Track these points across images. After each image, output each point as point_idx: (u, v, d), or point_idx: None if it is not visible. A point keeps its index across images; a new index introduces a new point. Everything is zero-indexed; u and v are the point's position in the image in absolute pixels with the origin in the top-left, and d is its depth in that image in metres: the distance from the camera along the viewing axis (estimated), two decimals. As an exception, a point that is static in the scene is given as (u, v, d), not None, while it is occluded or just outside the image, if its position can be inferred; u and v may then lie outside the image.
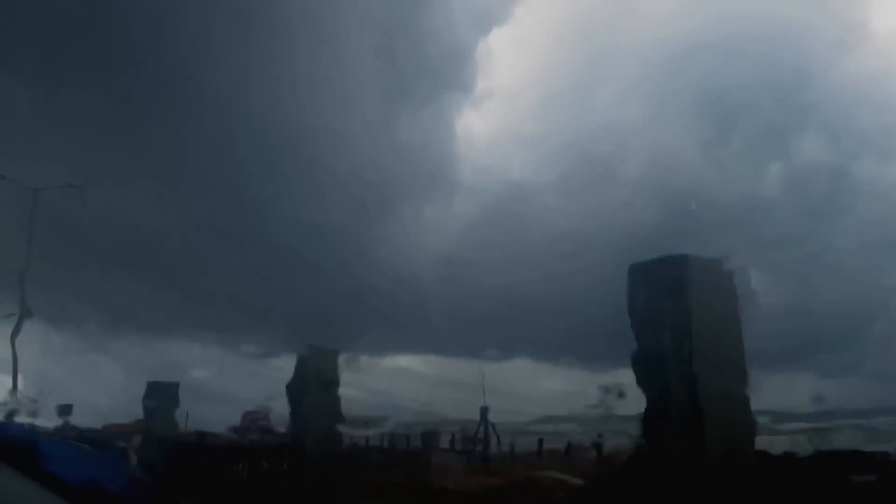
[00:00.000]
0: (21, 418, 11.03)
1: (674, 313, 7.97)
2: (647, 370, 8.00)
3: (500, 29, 40.65)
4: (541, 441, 14.36)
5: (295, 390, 12.10)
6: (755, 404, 7.70)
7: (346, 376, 12.27)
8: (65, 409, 12.72)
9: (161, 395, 13.28)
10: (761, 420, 7.98)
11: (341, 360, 12.54)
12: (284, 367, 12.20)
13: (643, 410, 7.97)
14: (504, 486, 10.16)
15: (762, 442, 8.01)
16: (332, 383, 12.24)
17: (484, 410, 15.60)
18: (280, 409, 12.46)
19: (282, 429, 13.82)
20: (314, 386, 11.98)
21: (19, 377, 12.07)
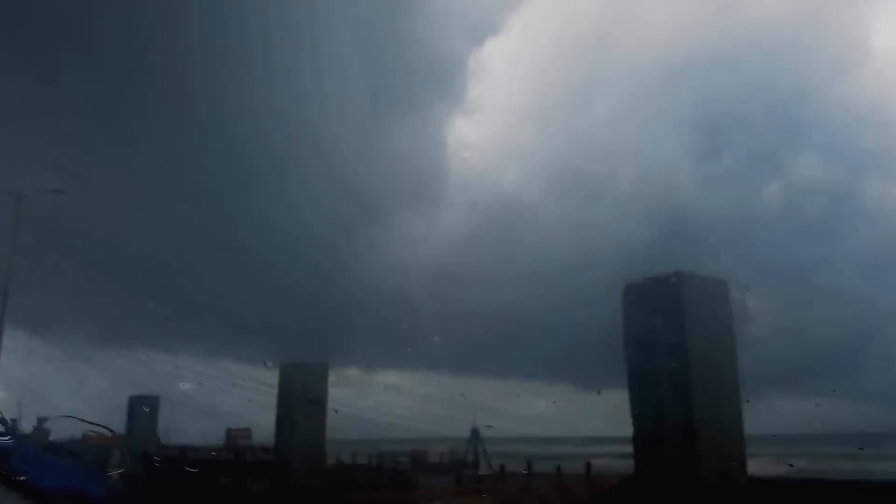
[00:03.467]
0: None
1: (668, 333, 7.88)
2: (641, 391, 7.90)
3: (494, 40, 40.66)
4: (529, 463, 14.19)
5: (280, 406, 11.89)
6: (750, 427, 7.59)
7: (333, 392, 12.09)
8: (44, 420, 12.48)
9: (142, 408, 13.05)
10: (756, 443, 7.88)
11: (329, 375, 12.36)
12: (270, 381, 11.99)
13: (635, 431, 7.85)
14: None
15: (757, 465, 7.90)
16: (319, 399, 12.04)
17: (474, 430, 15.42)
18: (265, 425, 12.24)
19: (266, 445, 13.58)
20: (300, 402, 11.77)
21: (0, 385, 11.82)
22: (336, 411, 11.39)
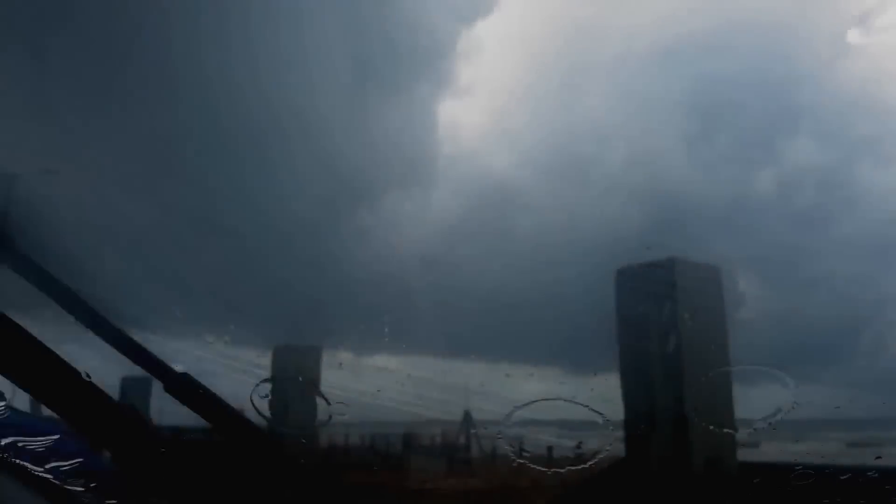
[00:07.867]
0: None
1: (660, 318, 7.92)
2: (632, 375, 7.94)
3: (485, 20, 39.70)
4: (521, 446, 14.26)
5: (273, 388, 11.91)
6: (742, 413, 7.63)
7: (326, 375, 12.09)
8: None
9: (134, 390, 13.03)
10: (747, 429, 7.93)
11: (321, 358, 12.36)
12: (263, 364, 11.99)
13: (626, 416, 7.90)
14: (484, 490, 10.05)
15: (747, 451, 7.95)
16: (312, 382, 12.05)
17: (466, 413, 15.48)
18: (258, 408, 12.28)
19: (259, 428, 13.60)
20: (293, 384, 11.80)
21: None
22: (328, 396, 11.42)
